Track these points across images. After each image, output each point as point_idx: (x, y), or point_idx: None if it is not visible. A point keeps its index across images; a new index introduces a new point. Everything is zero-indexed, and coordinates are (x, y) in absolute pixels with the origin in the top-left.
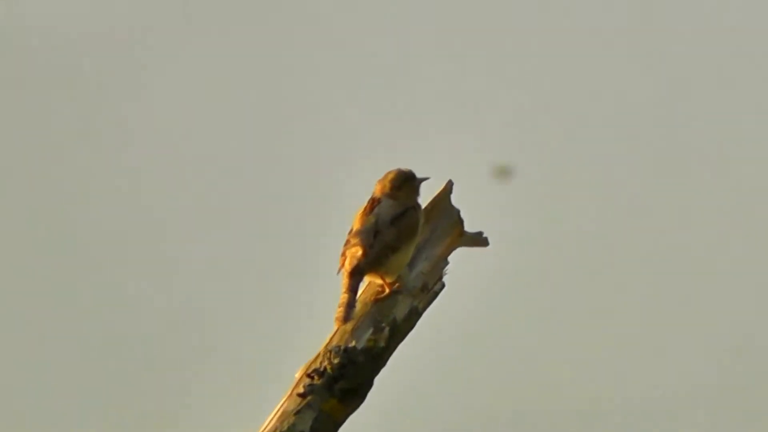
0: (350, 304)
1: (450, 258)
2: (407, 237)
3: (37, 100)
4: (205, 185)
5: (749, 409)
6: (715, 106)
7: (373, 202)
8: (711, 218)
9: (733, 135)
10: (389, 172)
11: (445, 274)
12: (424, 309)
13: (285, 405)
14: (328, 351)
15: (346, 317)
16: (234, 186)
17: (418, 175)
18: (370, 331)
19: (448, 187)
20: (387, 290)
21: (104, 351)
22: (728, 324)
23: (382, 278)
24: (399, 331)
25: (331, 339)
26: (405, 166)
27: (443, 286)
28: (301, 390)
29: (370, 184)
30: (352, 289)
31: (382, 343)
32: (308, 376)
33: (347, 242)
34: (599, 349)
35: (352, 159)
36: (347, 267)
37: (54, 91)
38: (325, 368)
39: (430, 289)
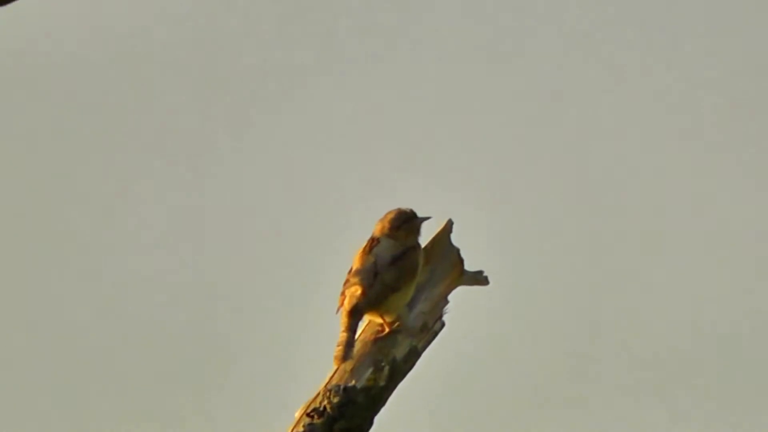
0: (349, 343)
1: (450, 297)
2: (407, 278)
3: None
4: (208, 211)
5: None
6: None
7: (372, 242)
8: None
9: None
10: (389, 212)
11: (445, 313)
12: (424, 349)
13: None
14: (328, 390)
15: (345, 356)
16: (235, 217)
17: (420, 214)
18: (370, 370)
19: (448, 227)
20: (387, 329)
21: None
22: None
23: (382, 317)
24: (399, 371)
25: (331, 378)
26: (406, 205)
27: (443, 325)
28: (300, 429)
29: (370, 223)
30: (351, 329)
31: (381, 383)
32: (308, 415)
33: (347, 281)
34: (602, 390)
35: (353, 197)
36: (346, 306)
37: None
38: (324, 408)
39: (430, 328)
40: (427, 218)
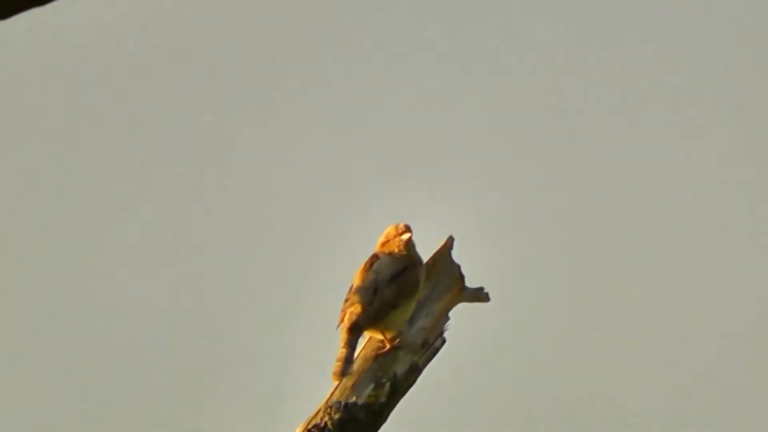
0: (348, 360)
1: (451, 314)
2: (407, 294)
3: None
4: (211, 226)
5: None
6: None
7: (373, 259)
8: None
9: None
10: (387, 228)
11: (446, 329)
12: (425, 365)
13: None
14: (329, 407)
15: (344, 372)
16: (237, 230)
17: (421, 229)
18: (371, 386)
19: (449, 243)
20: (388, 346)
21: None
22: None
23: (383, 334)
24: (399, 387)
25: (332, 394)
26: (406, 222)
27: (444, 341)
28: None
29: (372, 237)
30: (351, 345)
31: (382, 399)
32: (309, 431)
33: (347, 299)
34: (605, 409)
35: (357, 214)
36: (346, 323)
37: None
38: (325, 424)
39: (431, 344)
40: (411, 235)
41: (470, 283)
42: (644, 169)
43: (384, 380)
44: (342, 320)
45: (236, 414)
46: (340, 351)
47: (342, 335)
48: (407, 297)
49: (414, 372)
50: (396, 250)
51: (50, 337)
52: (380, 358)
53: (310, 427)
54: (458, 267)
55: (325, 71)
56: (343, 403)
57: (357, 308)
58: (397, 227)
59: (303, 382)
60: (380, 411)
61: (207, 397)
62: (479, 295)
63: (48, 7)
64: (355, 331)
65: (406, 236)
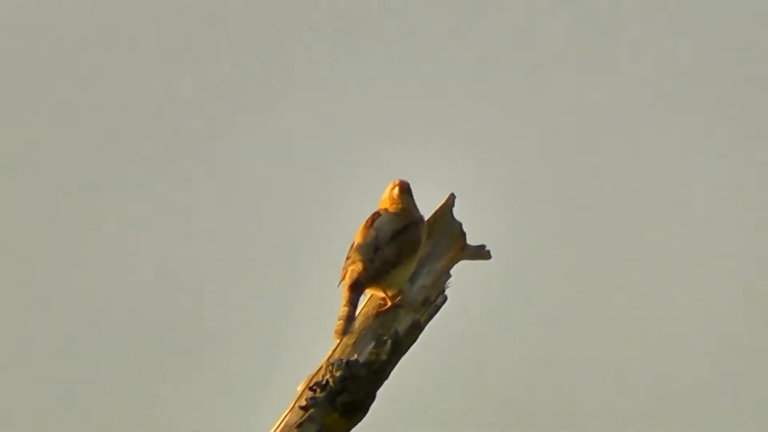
0: (349, 318)
1: (452, 271)
2: (408, 252)
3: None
4: (207, 186)
5: None
6: None
7: (374, 216)
8: None
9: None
10: (388, 185)
11: (448, 287)
12: (426, 322)
13: (287, 418)
14: (330, 364)
15: (345, 330)
16: (235, 193)
17: (421, 186)
18: (372, 344)
19: (450, 201)
20: (389, 303)
21: (101, 364)
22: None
23: (384, 292)
24: (401, 345)
25: (333, 352)
26: (404, 177)
27: (445, 299)
28: (303, 403)
29: (374, 196)
30: (352, 303)
31: (384, 357)
32: (310, 389)
33: (348, 257)
34: (605, 362)
35: (357, 172)
36: (347, 281)
37: None
38: (327, 382)
39: (432, 302)
40: (397, 182)
41: (471, 240)
42: (648, 117)
43: (385, 338)
44: (343, 278)
45: (239, 372)
46: (342, 309)
47: (343, 293)
48: (408, 255)
49: (415, 330)
50: (392, 206)
51: (39, 311)
52: (381, 316)
53: (311, 384)
54: (459, 224)
55: (324, 32)
56: (344, 361)
57: (358, 266)
58: (393, 183)
59: (305, 340)
60: (381, 369)
61: (210, 355)
62: (481, 253)
63: None
64: (356, 289)
65: (395, 191)
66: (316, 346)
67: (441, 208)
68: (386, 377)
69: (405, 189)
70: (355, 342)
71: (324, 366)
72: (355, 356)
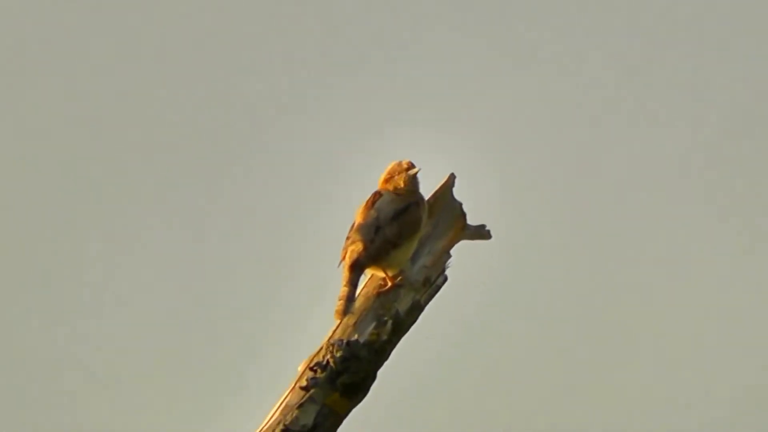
0: (350, 298)
1: (453, 251)
2: (409, 233)
3: None
4: (208, 162)
5: None
6: None
7: (375, 196)
8: None
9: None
10: (389, 165)
11: (448, 267)
12: (427, 302)
13: (288, 398)
14: (331, 344)
15: (345, 310)
16: (235, 172)
17: (417, 166)
18: (373, 324)
19: (451, 181)
20: (389, 283)
21: (105, 337)
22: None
23: (384, 272)
24: (401, 325)
25: (334, 332)
26: (407, 158)
27: (446, 279)
28: (304, 383)
29: (374, 176)
30: (352, 283)
31: (384, 337)
32: (311, 369)
33: (349, 237)
34: (603, 344)
35: (357, 150)
36: (347, 261)
37: None
38: (327, 362)
39: (433, 282)
40: (418, 170)
41: (472, 220)
42: (654, 94)
43: (386, 318)
44: (343, 258)
45: (240, 353)
46: (342, 289)
47: (343, 273)
48: (409, 235)
49: (416, 310)
50: (402, 185)
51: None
52: (382, 296)
53: (312, 365)
54: (460, 204)
55: (331, 8)
56: (345, 341)
57: (358, 246)
58: (400, 163)
59: (305, 321)
60: (382, 349)
61: (210, 336)
62: (481, 233)
63: None
64: (356, 269)
65: (413, 171)
66: (316, 327)
67: (441, 188)
68: (386, 357)
69: (404, 171)
70: (355, 322)
71: (325, 346)
72: (356, 336)
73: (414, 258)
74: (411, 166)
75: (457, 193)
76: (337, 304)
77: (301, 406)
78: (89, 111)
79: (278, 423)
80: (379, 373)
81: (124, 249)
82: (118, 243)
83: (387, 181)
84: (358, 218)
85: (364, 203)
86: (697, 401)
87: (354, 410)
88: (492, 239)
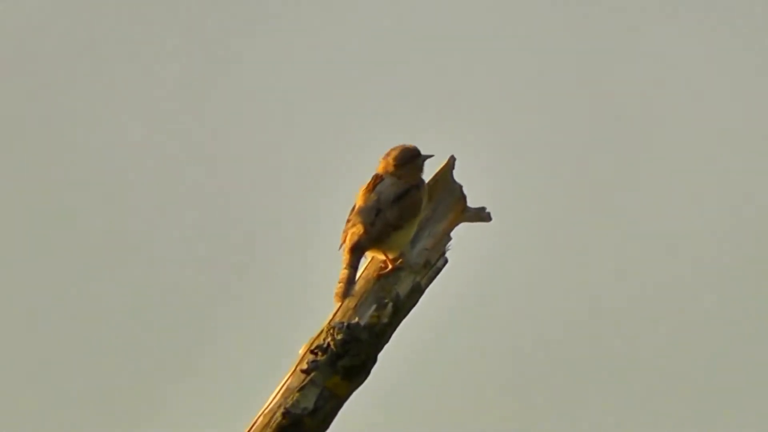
0: (350, 281)
1: (453, 234)
2: (409, 216)
3: None
4: (206, 153)
5: None
6: None
7: (376, 179)
8: None
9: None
10: (392, 149)
11: (448, 249)
12: (427, 285)
13: (289, 381)
14: (332, 327)
15: (346, 293)
16: (235, 161)
17: (423, 151)
18: (373, 307)
19: (451, 163)
20: (390, 266)
21: (104, 320)
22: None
23: (385, 254)
24: (402, 308)
25: (334, 315)
26: (409, 141)
27: (446, 262)
28: (304, 366)
29: (374, 159)
30: (353, 266)
31: (385, 320)
32: (312, 352)
33: (349, 220)
34: (606, 319)
35: (358, 133)
36: (348, 243)
37: None
38: (328, 345)
39: (433, 265)
40: (430, 156)
41: (472, 203)
42: (655, 90)
43: (386, 301)
44: (344, 241)
45: (242, 335)
46: (342, 272)
47: (344, 256)
48: (410, 218)
49: (416, 292)
50: (392, 163)
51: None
52: (382, 279)
53: (313, 348)
54: (460, 187)
55: None
56: (345, 324)
57: (359, 229)
58: (403, 148)
59: (306, 304)
60: (383, 331)
61: (211, 322)
62: (481, 215)
63: None
64: (356, 252)
65: (425, 156)
66: (317, 310)
67: (441, 170)
68: (387, 340)
69: (410, 158)
70: (356, 305)
71: (325, 329)
72: (357, 319)
73: (414, 241)
74: (416, 152)
75: (457, 175)
76: (338, 286)
77: (302, 389)
78: None
79: (279, 406)
80: (380, 356)
81: None
82: None
83: (388, 164)
84: (358, 201)
85: (364, 186)
86: None
87: (355, 393)
88: (492, 222)
